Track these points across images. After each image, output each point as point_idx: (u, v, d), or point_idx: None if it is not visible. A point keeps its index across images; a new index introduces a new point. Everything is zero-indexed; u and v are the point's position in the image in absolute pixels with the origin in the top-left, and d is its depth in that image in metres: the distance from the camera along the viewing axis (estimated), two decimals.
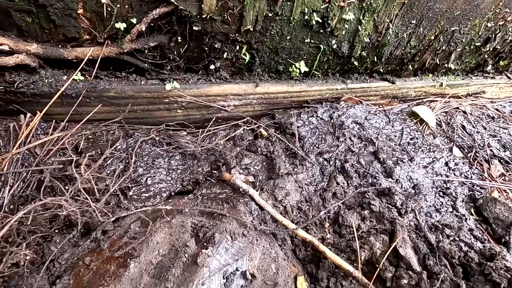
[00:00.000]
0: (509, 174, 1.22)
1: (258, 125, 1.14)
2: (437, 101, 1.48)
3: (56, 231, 0.71)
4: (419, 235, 0.86)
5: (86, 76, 0.93)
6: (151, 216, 0.78)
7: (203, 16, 0.88)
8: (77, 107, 0.92)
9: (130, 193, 0.87)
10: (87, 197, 0.71)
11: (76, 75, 0.89)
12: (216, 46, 0.99)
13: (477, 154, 1.28)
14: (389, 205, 0.92)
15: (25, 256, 0.63)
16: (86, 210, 0.70)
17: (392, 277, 0.78)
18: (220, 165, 0.99)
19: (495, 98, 1.61)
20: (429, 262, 0.79)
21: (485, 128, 1.45)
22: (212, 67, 1.04)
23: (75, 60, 0.89)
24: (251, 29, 0.96)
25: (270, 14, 0.94)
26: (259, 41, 1.01)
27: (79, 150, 0.88)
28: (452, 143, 1.31)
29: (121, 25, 0.86)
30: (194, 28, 0.91)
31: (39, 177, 0.79)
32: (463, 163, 1.23)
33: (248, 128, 1.15)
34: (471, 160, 1.25)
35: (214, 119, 1.12)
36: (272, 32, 1.00)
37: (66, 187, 0.76)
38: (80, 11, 0.81)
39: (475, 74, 1.51)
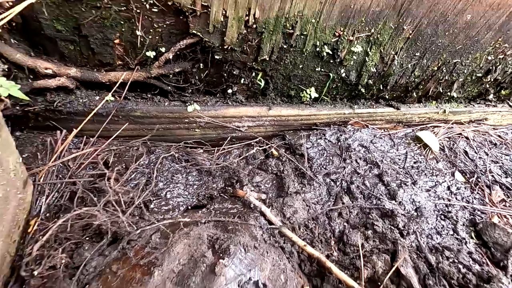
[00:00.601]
0: (510, 200, 1.26)
1: (269, 145, 1.22)
2: (440, 126, 1.54)
3: (87, 239, 0.78)
4: (420, 256, 0.91)
5: (116, 97, 1.02)
6: (170, 228, 0.85)
7: (225, 47, 0.98)
8: (106, 125, 1.01)
9: (151, 206, 0.94)
10: (116, 209, 0.79)
11: (109, 96, 0.99)
12: (234, 72, 1.08)
13: (478, 179, 1.33)
14: (392, 226, 0.97)
15: (61, 259, 0.71)
16: (115, 221, 0.77)
17: None
18: (234, 182, 1.06)
19: (497, 125, 1.67)
20: (429, 282, 0.84)
21: (487, 154, 1.51)
22: (229, 91, 1.13)
23: (107, 83, 0.98)
24: (267, 59, 1.05)
25: (285, 46, 1.03)
26: (274, 69, 1.10)
27: (108, 164, 0.96)
28: (455, 167, 1.37)
29: (151, 53, 0.96)
30: (216, 56, 1.00)
31: (72, 189, 0.87)
32: (465, 188, 1.28)
33: (260, 147, 1.22)
34: (472, 185, 1.30)
35: (229, 138, 1.20)
36: (286, 61, 1.09)
37: (96, 199, 0.83)
38: (117, 41, 0.92)
39: (478, 102, 1.57)
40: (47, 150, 0.94)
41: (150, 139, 1.11)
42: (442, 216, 1.10)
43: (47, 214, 0.82)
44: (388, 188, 1.13)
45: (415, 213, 1.07)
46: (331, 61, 1.12)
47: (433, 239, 0.99)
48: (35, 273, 0.66)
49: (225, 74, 1.08)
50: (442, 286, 0.83)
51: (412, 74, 1.28)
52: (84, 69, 0.96)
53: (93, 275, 0.70)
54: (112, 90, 0.98)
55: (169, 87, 1.08)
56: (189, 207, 1.01)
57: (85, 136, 1.02)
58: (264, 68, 1.09)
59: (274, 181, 1.11)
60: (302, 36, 1.02)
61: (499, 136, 1.66)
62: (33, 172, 0.87)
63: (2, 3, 0.71)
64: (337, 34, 1.05)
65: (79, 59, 0.94)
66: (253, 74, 1.10)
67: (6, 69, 0.83)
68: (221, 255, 0.76)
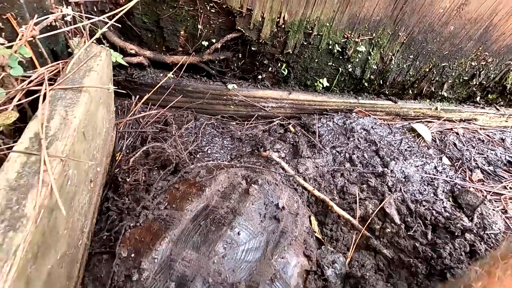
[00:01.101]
0: (487, 181, 1.49)
1: (288, 122, 1.51)
2: (433, 122, 1.80)
3: (156, 167, 1.08)
4: (403, 204, 1.17)
5: (175, 75, 1.35)
6: (214, 167, 1.15)
7: (260, 41, 1.30)
8: (166, 96, 1.34)
9: (198, 156, 1.24)
10: (178, 147, 1.09)
11: (170, 74, 1.32)
12: (264, 62, 1.39)
13: (463, 164, 1.57)
14: (382, 183, 1.24)
15: (141, 176, 1.01)
16: (178, 156, 1.08)
17: (379, 228, 1.08)
18: (259, 147, 1.35)
19: (486, 126, 1.91)
20: (407, 219, 1.09)
21: (473, 147, 1.74)
22: (259, 77, 1.45)
23: (170, 64, 1.31)
24: (291, 52, 1.36)
25: (305, 43, 1.34)
26: (295, 61, 1.42)
27: (167, 123, 1.28)
28: (443, 154, 1.62)
29: (205, 43, 1.29)
30: (252, 48, 1.33)
31: (143, 136, 1.19)
32: (450, 169, 1.52)
33: (280, 124, 1.52)
34: (457, 168, 1.54)
35: (255, 115, 1.51)
36: (305, 56, 1.40)
37: (162, 141, 1.14)
38: (182, 32, 1.25)
39: (467, 104, 1.83)
40: (124, 110, 1.26)
41: (196, 110, 1.42)
42: (426, 183, 1.35)
43: (127, 151, 1.13)
44: (382, 160, 1.40)
45: (403, 179, 1.33)
46: (341, 57, 1.42)
47: (415, 196, 1.24)
48: (127, 179, 0.97)
49: (257, 63, 1.40)
50: (418, 223, 1.09)
51: (407, 73, 1.57)
52: (155, 52, 1.30)
53: (161, 191, 0.99)
54: (173, 70, 1.31)
55: (214, 71, 1.40)
56: (225, 162, 1.31)
57: (150, 103, 1.34)
58: (288, 60, 1.40)
59: (291, 149, 1.40)
60: (318, 36, 1.33)
61: (488, 135, 1.90)
62: (115, 123, 1.19)
63: (118, 0, 1.06)
64: (346, 36, 1.36)
65: (152, 45, 1.28)
66: (279, 64, 1.42)
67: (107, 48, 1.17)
68: (252, 184, 1.05)
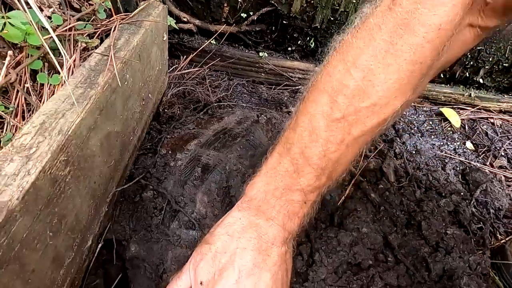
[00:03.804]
0: (510, 170, 1.44)
1: None
2: (466, 109, 1.76)
3: (189, 106, 1.35)
4: (403, 168, 1.25)
5: (216, 43, 1.60)
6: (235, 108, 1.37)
7: (290, 15, 1.48)
8: (207, 59, 1.60)
9: (225, 103, 1.48)
10: (209, 92, 1.34)
11: (212, 40, 1.58)
12: (294, 35, 1.57)
13: (489, 151, 1.54)
14: (389, 148, 1.33)
15: (177, 110, 1.28)
16: (207, 97, 1.33)
17: (373, 182, 1.19)
18: (282, 106, 1.54)
19: None
20: (402, 180, 1.18)
21: (509, 139, 1.67)
22: (289, 49, 1.63)
23: (214, 32, 1.57)
24: (318, 27, 1.51)
25: (332, 18, 1.48)
26: (322, 36, 1.56)
27: (204, 78, 1.54)
28: (469, 139, 1.60)
29: (243, 15, 1.51)
30: (284, 22, 1.51)
31: (185, 86, 1.47)
32: (471, 153, 1.51)
33: None
34: (479, 153, 1.52)
35: (283, 84, 1.69)
36: (332, 31, 1.54)
37: (198, 88, 1.41)
38: (225, 4, 1.50)
39: (510, 94, 1.75)
40: (173, 66, 1.56)
41: (231, 73, 1.66)
42: (437, 159, 1.39)
43: (174, 98, 1.42)
44: (397, 132, 1.47)
45: (413, 151, 1.39)
46: None
47: (419, 165, 1.31)
48: (166, 111, 1.25)
49: (288, 36, 1.58)
50: (412, 185, 1.17)
51: None
52: (202, 22, 1.57)
53: (190, 121, 1.24)
54: (213, 36, 1.57)
55: (250, 41, 1.62)
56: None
57: (194, 64, 1.62)
58: (316, 34, 1.56)
59: None
60: (345, 12, 1.46)
61: None
62: (167, 72, 1.49)
63: None
64: None
65: (201, 15, 1.55)
66: (307, 38, 1.58)
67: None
68: (262, 115, 1.24)
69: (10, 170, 0.49)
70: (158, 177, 0.92)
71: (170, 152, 0.99)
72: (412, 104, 1.71)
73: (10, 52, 0.58)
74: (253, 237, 0.59)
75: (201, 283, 0.59)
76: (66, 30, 0.78)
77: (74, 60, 0.83)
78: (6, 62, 0.58)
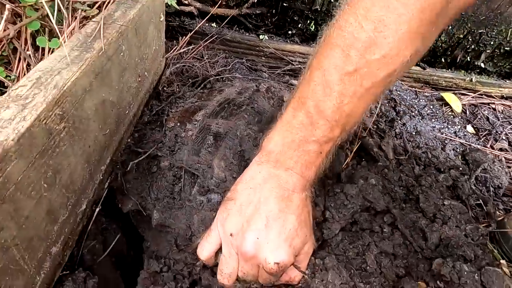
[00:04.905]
0: (511, 152, 1.43)
1: None
2: (468, 95, 1.75)
3: (188, 83, 1.35)
4: (402, 147, 1.25)
5: (217, 25, 1.61)
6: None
7: None
8: (208, 43, 1.60)
9: (223, 78, 1.48)
10: (207, 67, 1.35)
11: (213, 23, 1.58)
12: (295, 18, 1.57)
13: (489, 135, 1.52)
14: (390, 127, 1.32)
15: (176, 87, 1.28)
16: (206, 72, 1.33)
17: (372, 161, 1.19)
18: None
19: None
20: (400, 157, 1.18)
21: (510, 124, 1.65)
22: (290, 32, 1.62)
23: (215, 15, 1.57)
24: (319, 9, 1.51)
25: (332, 0, 1.48)
26: (322, 19, 1.56)
27: (203, 55, 1.54)
28: (469, 123, 1.59)
29: None
30: (284, 4, 1.51)
31: (183, 65, 1.47)
32: (472, 136, 1.50)
33: None
34: (480, 136, 1.51)
35: (284, 68, 1.69)
36: (332, 14, 1.53)
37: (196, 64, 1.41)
38: None
39: (510, 79, 1.74)
40: (172, 47, 1.56)
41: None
42: (437, 140, 1.38)
43: (170, 76, 1.43)
44: (398, 114, 1.46)
45: (413, 132, 1.38)
46: None
47: (418, 145, 1.30)
48: (165, 89, 1.25)
49: (288, 19, 1.58)
50: (410, 162, 1.16)
51: (439, 39, 1.58)
52: (203, 5, 1.57)
53: (190, 96, 1.24)
54: (212, 19, 1.57)
55: (250, 25, 1.62)
56: None
57: (192, 44, 1.62)
58: (316, 17, 1.55)
59: None
60: None
61: None
62: (164, 54, 1.50)
63: None
64: None
65: None
66: (308, 21, 1.58)
67: None
68: (261, 84, 1.24)
69: (6, 115, 0.50)
70: (171, 148, 0.93)
71: (178, 124, 1.00)
72: (413, 88, 1.70)
73: (8, 6, 0.58)
74: (275, 187, 0.62)
75: (231, 235, 0.61)
76: None
77: (73, 28, 0.83)
78: (5, 16, 0.58)
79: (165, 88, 1.27)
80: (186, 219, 0.80)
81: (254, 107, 1.05)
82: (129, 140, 1.04)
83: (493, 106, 1.72)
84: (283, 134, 0.64)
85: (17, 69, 0.82)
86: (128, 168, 0.88)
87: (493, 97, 1.76)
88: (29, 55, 0.79)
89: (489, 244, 0.93)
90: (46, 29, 0.80)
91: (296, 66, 1.67)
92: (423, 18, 0.53)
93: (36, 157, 0.52)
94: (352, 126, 0.66)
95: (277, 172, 0.63)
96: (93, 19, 0.79)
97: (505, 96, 1.75)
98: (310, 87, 0.61)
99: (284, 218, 0.60)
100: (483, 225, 1.03)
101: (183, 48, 1.54)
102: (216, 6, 1.55)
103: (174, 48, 1.54)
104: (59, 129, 0.59)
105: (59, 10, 0.77)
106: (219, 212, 0.67)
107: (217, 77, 1.41)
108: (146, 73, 1.15)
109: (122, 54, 0.86)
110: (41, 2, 0.71)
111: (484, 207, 1.01)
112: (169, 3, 1.37)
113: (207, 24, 1.60)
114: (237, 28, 1.64)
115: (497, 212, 1.06)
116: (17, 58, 0.80)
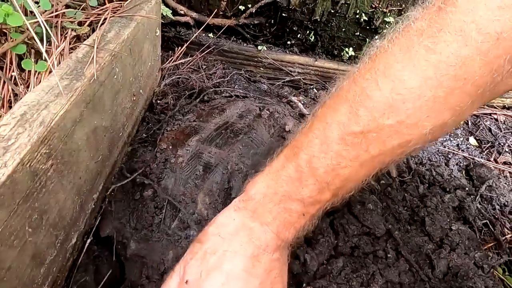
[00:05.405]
0: None
1: (313, 87, 1.63)
2: None
3: (183, 95, 1.30)
4: (405, 164, 1.21)
5: (214, 36, 1.57)
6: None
7: (290, 7, 1.44)
8: (205, 54, 1.56)
9: (221, 89, 1.44)
10: (204, 79, 1.30)
11: (210, 33, 1.54)
12: (294, 29, 1.53)
13: (492, 147, 1.50)
14: None
15: (171, 100, 1.24)
16: (202, 84, 1.29)
17: (375, 179, 1.16)
18: (282, 99, 1.50)
19: None
20: (404, 175, 1.15)
21: None
22: (288, 43, 1.59)
23: (211, 25, 1.53)
24: (318, 20, 1.48)
25: (332, 11, 1.44)
26: (322, 29, 1.52)
27: (199, 67, 1.50)
28: (472, 135, 1.56)
29: (241, 7, 1.47)
30: (283, 14, 1.47)
31: (179, 76, 1.43)
32: (475, 149, 1.47)
33: (304, 85, 1.65)
34: (483, 149, 1.48)
35: (283, 80, 1.65)
36: (332, 24, 1.50)
37: (193, 76, 1.37)
38: None
39: None
40: (168, 58, 1.52)
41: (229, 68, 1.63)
42: (440, 155, 1.35)
43: (164, 87, 1.39)
44: None
45: None
46: (368, 27, 1.49)
47: (421, 160, 1.27)
48: (159, 102, 1.21)
49: (287, 29, 1.54)
50: (414, 181, 1.13)
51: None
52: (199, 14, 1.53)
53: (187, 111, 1.20)
54: (209, 29, 1.53)
55: (248, 35, 1.58)
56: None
57: (189, 55, 1.58)
58: (316, 28, 1.52)
59: (311, 102, 1.52)
60: (346, 5, 1.42)
61: None
62: (160, 67, 1.45)
63: None
64: (373, 6, 1.42)
65: (198, 7, 1.51)
66: (307, 32, 1.54)
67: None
68: (264, 109, 1.20)
69: None
70: (158, 174, 0.89)
71: (170, 147, 0.96)
72: None
73: None
74: (245, 242, 0.56)
75: (186, 282, 0.56)
76: (53, 17, 0.75)
77: (63, 49, 0.79)
78: None
79: (158, 101, 1.22)
80: (161, 253, 0.77)
81: (252, 137, 1.01)
82: (123, 159, 1.00)
83: (495, 116, 1.70)
84: (267, 182, 0.58)
85: (1, 89, 0.78)
86: (110, 192, 0.85)
87: (495, 107, 1.74)
88: (14, 76, 0.75)
89: (498, 268, 0.90)
90: (33, 50, 0.76)
91: (296, 77, 1.64)
92: (455, 87, 0.44)
93: (19, 203, 0.48)
94: (348, 193, 0.58)
95: (252, 224, 0.57)
96: (85, 42, 0.75)
97: (507, 106, 1.73)
98: (308, 138, 0.55)
99: (246, 280, 0.53)
100: (490, 244, 1.01)
101: (179, 60, 1.50)
102: (212, 16, 1.51)
103: (169, 59, 1.50)
104: (45, 168, 0.55)
105: (47, 30, 0.73)
106: (186, 252, 0.63)
107: (215, 89, 1.37)
108: (141, 90, 1.10)
109: (115, 76, 0.81)
110: (26, 24, 0.67)
111: (492, 229, 0.98)
112: (164, 14, 1.33)
113: (203, 35, 1.55)
114: (235, 39, 1.60)
115: (506, 231, 1.03)
116: (1, 79, 0.76)
